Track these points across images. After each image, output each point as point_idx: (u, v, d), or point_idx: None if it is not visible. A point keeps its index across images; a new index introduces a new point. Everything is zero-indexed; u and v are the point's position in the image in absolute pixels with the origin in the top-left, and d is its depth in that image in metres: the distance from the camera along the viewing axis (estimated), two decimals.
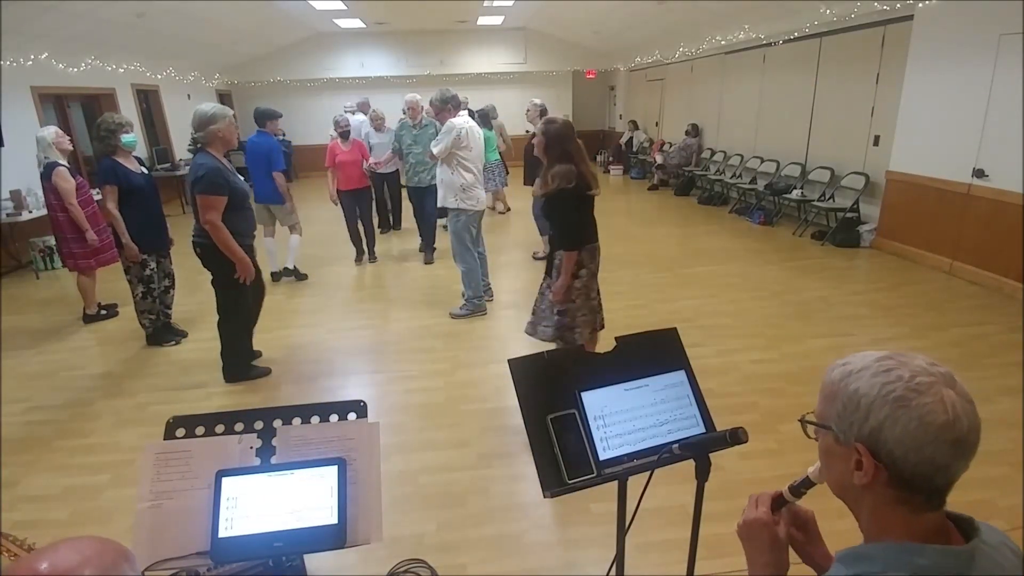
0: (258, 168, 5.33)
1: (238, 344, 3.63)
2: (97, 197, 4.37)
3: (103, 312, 4.86)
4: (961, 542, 0.76)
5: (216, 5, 8.14)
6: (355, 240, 6.30)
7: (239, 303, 3.50)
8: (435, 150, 4.38)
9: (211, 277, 3.43)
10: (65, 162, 4.45)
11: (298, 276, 5.75)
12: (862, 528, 0.82)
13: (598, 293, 3.14)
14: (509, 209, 8.76)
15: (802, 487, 0.94)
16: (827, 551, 1.00)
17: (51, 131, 4.44)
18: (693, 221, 8.08)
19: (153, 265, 4.09)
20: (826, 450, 0.83)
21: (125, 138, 3.88)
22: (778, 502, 0.99)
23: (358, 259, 6.34)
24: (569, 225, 2.92)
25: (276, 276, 5.69)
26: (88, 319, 4.78)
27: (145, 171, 4.04)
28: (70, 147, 4.59)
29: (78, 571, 0.67)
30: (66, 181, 4.36)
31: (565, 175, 2.82)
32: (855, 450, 0.75)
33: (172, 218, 8.84)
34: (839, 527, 1.04)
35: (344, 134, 6.11)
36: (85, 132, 8.29)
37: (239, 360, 3.67)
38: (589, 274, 3.02)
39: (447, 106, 4.47)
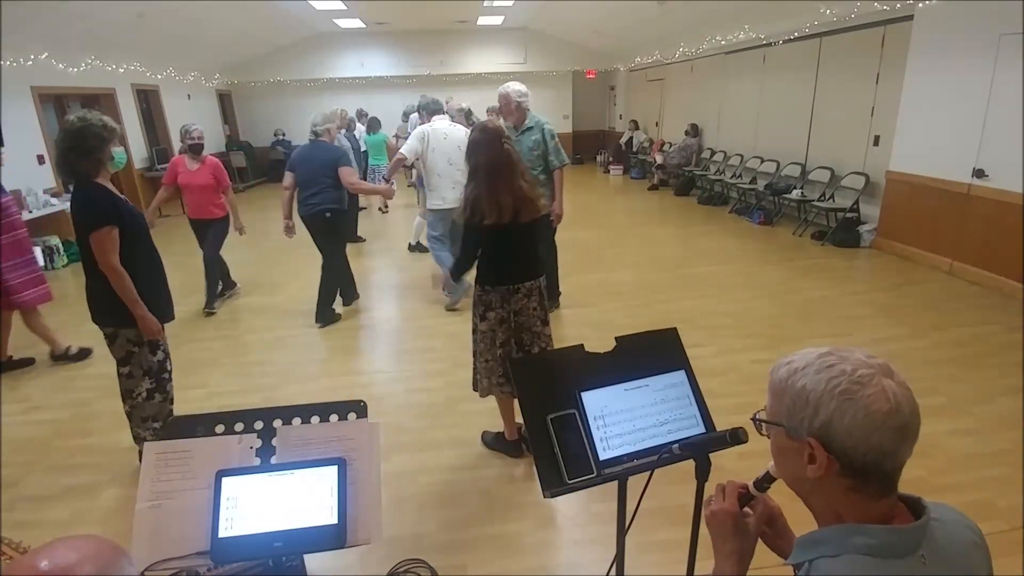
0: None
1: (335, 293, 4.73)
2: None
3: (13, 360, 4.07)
4: (911, 521, 0.80)
5: (216, 5, 8.14)
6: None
7: (344, 255, 4.76)
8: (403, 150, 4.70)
9: (324, 244, 4.50)
10: None
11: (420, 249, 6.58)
12: (816, 517, 0.86)
13: (520, 346, 2.61)
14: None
15: (765, 482, 0.98)
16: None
17: None
18: (693, 221, 8.08)
19: (165, 345, 2.78)
20: (779, 446, 0.86)
21: (117, 153, 2.50)
22: (745, 497, 1.02)
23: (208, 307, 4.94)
24: (462, 255, 2.57)
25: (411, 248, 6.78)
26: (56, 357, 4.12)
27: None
28: None
29: (77, 569, 0.68)
30: None
31: (466, 201, 2.46)
32: (807, 444, 0.78)
33: (172, 218, 8.92)
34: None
35: (195, 147, 4.70)
36: None
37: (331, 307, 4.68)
38: (497, 319, 2.56)
39: (424, 111, 4.86)
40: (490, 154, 2.42)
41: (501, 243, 2.49)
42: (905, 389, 0.76)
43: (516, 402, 2.67)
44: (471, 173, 2.49)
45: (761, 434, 0.89)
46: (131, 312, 2.49)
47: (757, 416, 0.89)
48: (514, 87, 4.08)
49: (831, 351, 0.80)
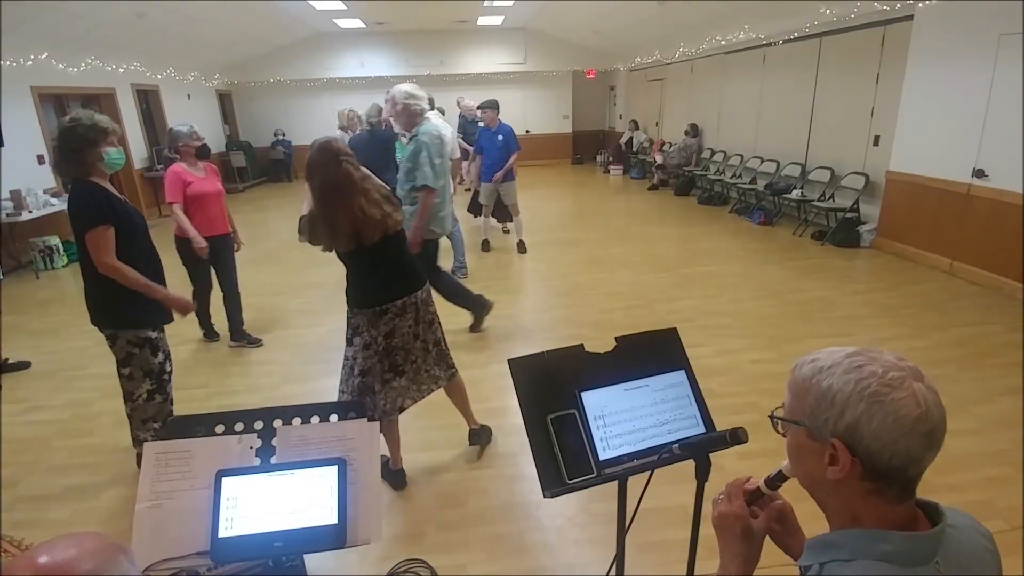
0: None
1: None
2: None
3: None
4: (928, 528, 0.78)
5: (216, 5, 8.14)
6: (203, 313, 4.29)
7: None
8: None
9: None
10: None
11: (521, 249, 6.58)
12: (829, 518, 0.84)
13: (394, 370, 2.51)
14: None
15: (777, 480, 0.96)
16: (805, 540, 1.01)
17: None
18: (693, 221, 8.08)
19: (166, 346, 2.75)
20: (797, 446, 0.84)
21: (110, 154, 2.40)
22: (754, 495, 1.00)
23: (208, 337, 4.37)
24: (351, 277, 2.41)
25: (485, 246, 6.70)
26: None
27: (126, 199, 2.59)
28: None
29: (76, 565, 0.68)
30: None
31: (305, 222, 2.33)
32: (830, 445, 0.76)
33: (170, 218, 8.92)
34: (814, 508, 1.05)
35: (203, 150, 3.86)
36: None
37: None
38: (361, 344, 2.42)
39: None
40: (325, 176, 2.24)
41: (358, 265, 2.37)
42: (934, 394, 0.74)
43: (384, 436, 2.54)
44: (312, 195, 2.31)
45: (778, 432, 0.87)
46: (155, 299, 2.52)
47: (775, 414, 0.86)
48: (401, 88, 3.61)
49: (859, 351, 0.77)
